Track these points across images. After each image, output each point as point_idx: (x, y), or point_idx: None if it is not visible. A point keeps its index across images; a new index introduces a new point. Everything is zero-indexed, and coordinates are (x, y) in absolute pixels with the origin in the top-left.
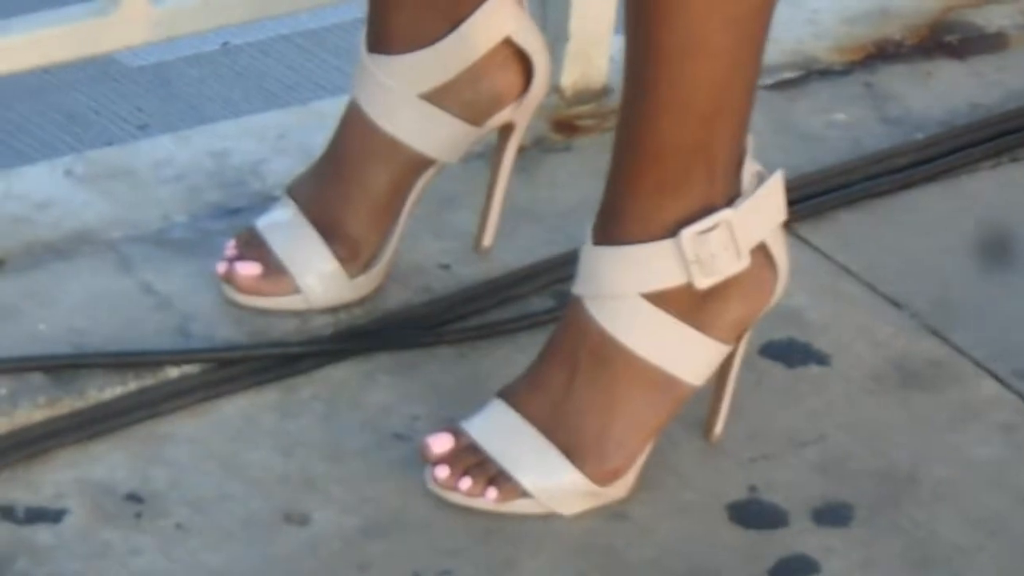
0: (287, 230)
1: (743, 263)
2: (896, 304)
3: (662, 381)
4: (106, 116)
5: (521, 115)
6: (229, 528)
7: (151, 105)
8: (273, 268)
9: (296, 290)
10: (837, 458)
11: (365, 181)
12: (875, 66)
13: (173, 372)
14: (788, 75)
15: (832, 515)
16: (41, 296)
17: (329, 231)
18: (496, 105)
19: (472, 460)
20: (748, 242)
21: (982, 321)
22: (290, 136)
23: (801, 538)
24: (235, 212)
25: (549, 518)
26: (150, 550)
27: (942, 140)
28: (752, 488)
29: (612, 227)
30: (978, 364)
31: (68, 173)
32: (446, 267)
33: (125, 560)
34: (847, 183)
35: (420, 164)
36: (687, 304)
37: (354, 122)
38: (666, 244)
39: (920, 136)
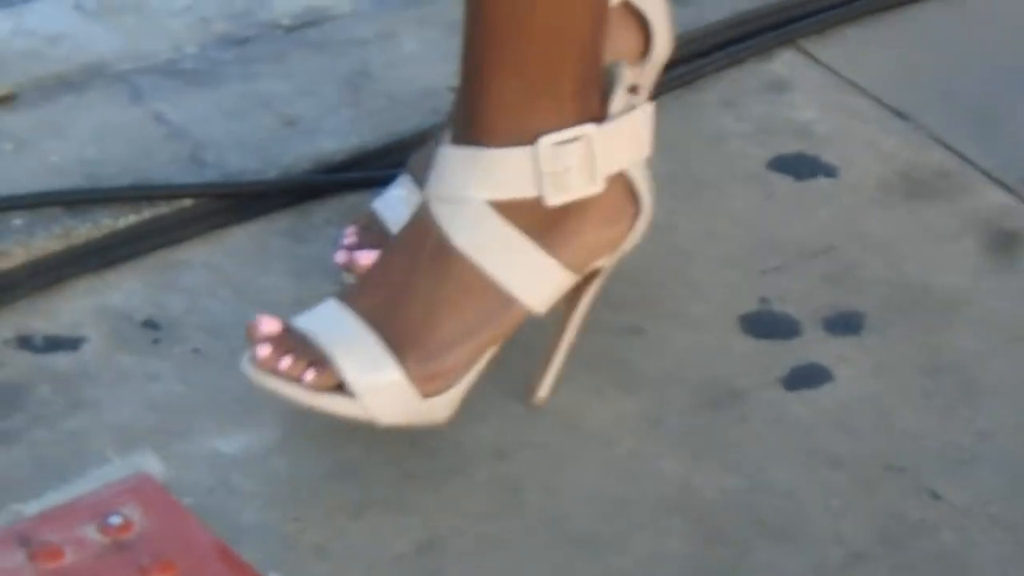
0: (404, 210)
1: (597, 187)
2: (903, 116)
3: (497, 295)
4: None
5: (645, 77)
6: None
7: None
8: None
9: None
10: (847, 268)
11: None
12: None
13: (187, 201)
14: None
15: (843, 324)
16: (53, 128)
17: None
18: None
19: (296, 342)
20: (606, 166)
21: (989, 131)
22: None
23: (813, 347)
24: (243, 42)
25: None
26: (168, 375)
27: None
28: (763, 300)
29: (468, 130)
30: (986, 174)
31: (78, 7)
32: (456, 90)
33: (144, 385)
34: None
35: None
36: (536, 220)
37: None
38: (522, 151)
39: None
